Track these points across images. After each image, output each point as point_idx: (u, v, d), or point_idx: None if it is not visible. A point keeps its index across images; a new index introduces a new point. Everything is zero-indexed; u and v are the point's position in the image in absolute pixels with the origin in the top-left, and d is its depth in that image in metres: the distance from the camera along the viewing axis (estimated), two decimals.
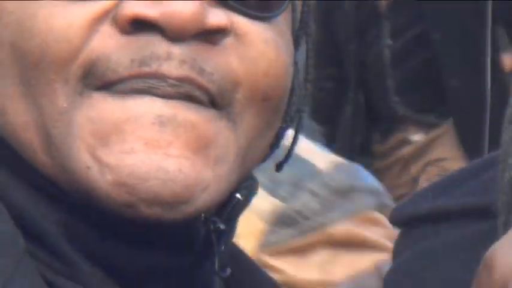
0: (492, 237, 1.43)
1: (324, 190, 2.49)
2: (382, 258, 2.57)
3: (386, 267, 1.93)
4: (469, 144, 7.78)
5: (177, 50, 1.01)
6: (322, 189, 2.44)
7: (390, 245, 2.28)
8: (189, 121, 1.01)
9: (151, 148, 0.98)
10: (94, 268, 1.06)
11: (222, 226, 1.12)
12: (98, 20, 1.01)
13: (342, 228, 2.64)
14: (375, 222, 2.60)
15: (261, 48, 1.06)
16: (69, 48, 1.00)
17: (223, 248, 1.15)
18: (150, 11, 0.99)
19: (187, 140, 1.00)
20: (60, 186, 1.06)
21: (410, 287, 1.76)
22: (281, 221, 2.31)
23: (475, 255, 1.37)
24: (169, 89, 1.01)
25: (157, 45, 1.00)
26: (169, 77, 1.00)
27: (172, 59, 1.00)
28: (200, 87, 1.02)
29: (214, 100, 1.04)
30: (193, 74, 1.01)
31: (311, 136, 3.85)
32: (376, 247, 2.63)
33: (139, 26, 1.00)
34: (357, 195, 2.79)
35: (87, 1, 1.02)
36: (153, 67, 0.99)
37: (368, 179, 3.00)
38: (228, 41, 1.05)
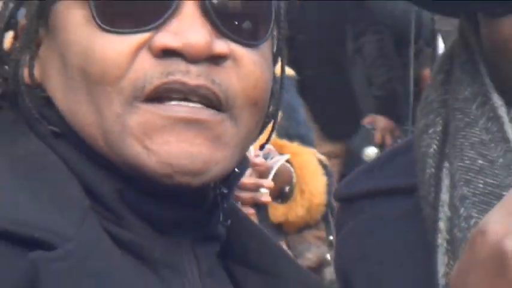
0: (416, 211, 1.65)
1: None
2: None
3: None
4: None
5: (193, 68, 1.26)
6: None
7: None
8: (206, 122, 1.28)
9: (181, 140, 1.25)
10: (136, 219, 1.31)
11: (225, 191, 1.42)
12: (138, 49, 1.26)
13: None
14: None
15: (251, 69, 1.33)
16: (120, 70, 1.25)
17: (225, 205, 1.45)
18: (174, 42, 1.24)
19: (205, 135, 1.27)
20: (115, 164, 1.32)
21: (356, 252, 1.88)
22: None
23: (402, 224, 1.67)
24: (190, 94, 1.26)
25: (180, 64, 1.25)
26: (189, 84, 1.25)
27: (191, 73, 1.26)
28: (213, 93, 1.27)
29: (222, 104, 1.29)
30: (207, 83, 1.26)
31: None
32: None
33: (167, 52, 1.25)
34: None
35: (130, 35, 1.28)
36: (177, 76, 1.24)
37: None
38: (228, 63, 1.30)
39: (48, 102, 1.39)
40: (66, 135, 1.37)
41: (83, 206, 1.27)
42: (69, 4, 1.35)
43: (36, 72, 1.39)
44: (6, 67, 1.43)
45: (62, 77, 1.35)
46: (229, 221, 1.49)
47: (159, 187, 1.32)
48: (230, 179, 1.44)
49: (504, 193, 1.37)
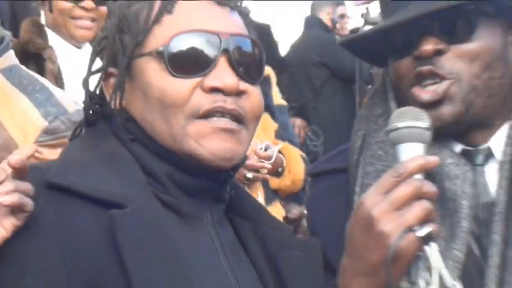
0: (347, 181, 2.02)
1: (69, 121, 2.51)
2: None
3: None
4: None
5: (228, 99, 1.62)
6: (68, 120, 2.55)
7: None
8: (234, 131, 1.64)
9: (221, 141, 1.61)
10: (176, 190, 1.67)
11: (232, 173, 1.76)
12: (194, 88, 1.61)
13: None
14: None
15: (256, 98, 1.70)
16: (184, 100, 1.60)
17: (231, 181, 1.80)
18: (218, 84, 1.61)
19: (234, 138, 1.63)
20: (174, 152, 1.65)
21: (314, 208, 2.24)
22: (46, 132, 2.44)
23: (339, 190, 2.01)
24: (226, 114, 1.62)
25: (220, 96, 1.61)
26: (226, 108, 1.62)
27: (227, 102, 1.61)
28: (239, 113, 1.64)
29: (242, 120, 1.66)
30: (237, 107, 1.63)
31: None
32: None
33: (213, 89, 1.61)
34: None
35: (189, 79, 1.63)
36: (219, 104, 1.60)
37: None
38: (245, 95, 1.66)
39: (129, 119, 1.71)
40: (140, 139, 1.70)
41: (142, 183, 1.64)
42: (148, 59, 1.67)
43: (120, 97, 1.71)
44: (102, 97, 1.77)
45: (144, 103, 1.68)
46: (232, 191, 1.84)
47: (200, 167, 1.67)
48: (237, 166, 1.78)
49: None
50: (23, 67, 2.44)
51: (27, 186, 1.40)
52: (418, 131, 1.56)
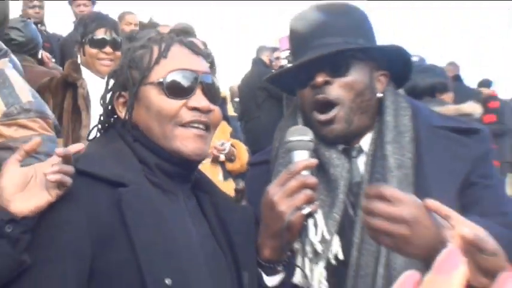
0: (270, 169, 1.94)
1: (21, 108, 2.33)
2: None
3: None
4: None
5: (203, 115, 1.62)
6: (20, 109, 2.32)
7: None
8: (204, 136, 1.63)
9: (196, 143, 1.60)
10: (161, 174, 1.64)
11: (199, 163, 1.72)
12: (181, 106, 1.60)
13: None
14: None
15: (217, 114, 1.67)
16: (174, 115, 1.60)
17: (196, 168, 1.75)
18: (197, 105, 1.61)
19: (203, 141, 1.62)
20: (164, 149, 1.62)
21: (250, 187, 2.20)
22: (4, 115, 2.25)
23: (264, 175, 1.93)
24: (200, 124, 1.62)
25: (198, 112, 1.60)
26: (201, 121, 1.62)
27: (202, 117, 1.61)
28: (208, 124, 1.64)
29: (209, 128, 1.65)
30: (207, 120, 1.63)
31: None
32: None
33: (193, 108, 1.60)
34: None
35: (179, 100, 1.62)
36: (197, 117, 1.60)
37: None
38: (211, 112, 1.64)
39: (133, 127, 1.66)
40: (140, 140, 1.66)
41: (138, 170, 1.62)
42: (151, 87, 1.64)
43: (128, 113, 1.66)
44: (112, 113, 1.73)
45: (146, 115, 1.64)
46: (197, 175, 1.78)
47: (180, 159, 1.63)
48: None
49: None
50: (5, 70, 2.40)
51: (69, 168, 1.39)
52: (304, 143, 1.62)
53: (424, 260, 1.44)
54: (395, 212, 1.40)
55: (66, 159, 1.41)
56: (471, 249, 1.31)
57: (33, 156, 1.90)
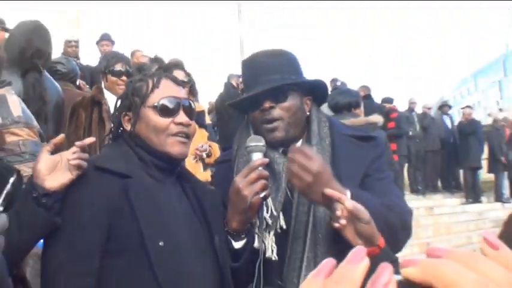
0: (232, 167, 1.83)
1: (12, 120, 2.38)
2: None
3: None
4: None
5: (185, 128, 1.58)
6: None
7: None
8: (186, 143, 1.59)
9: (181, 148, 1.58)
10: (155, 168, 1.59)
11: (182, 161, 1.69)
12: (170, 122, 1.56)
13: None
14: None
15: (194, 127, 1.65)
16: (165, 128, 1.57)
17: (180, 164, 1.69)
18: (182, 121, 1.58)
19: (186, 147, 1.59)
20: (158, 152, 1.58)
21: (217, 178, 2.06)
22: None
23: (227, 172, 1.83)
24: (184, 134, 1.58)
25: (182, 127, 1.57)
26: (185, 132, 1.58)
27: (185, 129, 1.58)
28: (189, 134, 1.60)
29: (189, 137, 1.60)
30: (188, 131, 1.59)
31: None
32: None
33: (178, 123, 1.57)
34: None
35: (168, 118, 1.57)
36: (181, 129, 1.57)
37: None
38: (190, 125, 1.60)
39: (136, 136, 1.60)
40: (140, 146, 1.60)
41: (139, 166, 1.56)
42: (148, 109, 1.58)
43: (132, 126, 1.62)
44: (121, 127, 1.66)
45: (145, 129, 1.59)
46: (180, 169, 1.70)
47: (169, 159, 1.59)
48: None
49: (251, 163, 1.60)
50: (6, 95, 2.42)
51: (84, 155, 1.46)
52: (259, 147, 1.61)
53: (324, 206, 1.55)
54: (306, 164, 1.47)
55: (82, 149, 1.47)
56: (352, 218, 1.43)
57: (18, 154, 2.29)
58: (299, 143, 1.75)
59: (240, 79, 8.69)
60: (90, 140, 1.59)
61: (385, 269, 0.27)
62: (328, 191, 1.49)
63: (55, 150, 1.49)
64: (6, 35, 4.43)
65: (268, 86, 1.68)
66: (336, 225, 1.47)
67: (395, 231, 1.62)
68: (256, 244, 1.64)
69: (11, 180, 1.71)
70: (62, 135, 1.60)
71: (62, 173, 1.44)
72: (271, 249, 1.64)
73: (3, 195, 1.64)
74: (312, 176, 1.48)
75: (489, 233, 0.31)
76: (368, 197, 1.58)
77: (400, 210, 1.70)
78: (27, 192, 1.42)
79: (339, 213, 1.45)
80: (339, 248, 1.50)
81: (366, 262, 0.29)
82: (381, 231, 1.49)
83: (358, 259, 0.28)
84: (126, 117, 1.62)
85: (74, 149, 1.46)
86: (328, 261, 0.30)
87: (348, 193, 1.52)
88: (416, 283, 0.28)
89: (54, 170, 1.44)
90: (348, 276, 0.28)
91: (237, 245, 1.62)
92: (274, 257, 1.63)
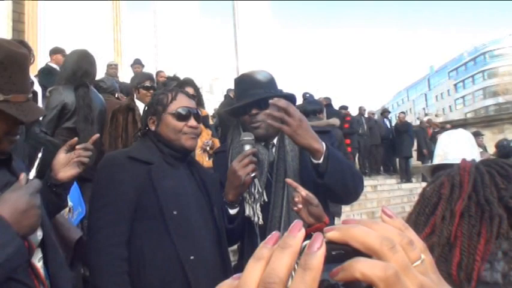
0: (226, 157, 1.72)
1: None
2: None
3: None
4: None
5: (195, 129, 1.51)
6: None
7: None
8: (195, 139, 1.53)
9: (192, 142, 1.51)
10: (171, 156, 1.51)
11: (191, 152, 1.57)
12: (184, 125, 1.51)
13: None
14: None
15: (201, 128, 1.51)
16: (181, 129, 1.50)
17: (190, 154, 1.59)
18: (193, 124, 1.52)
19: (195, 142, 1.52)
20: (174, 145, 1.51)
21: (216, 165, 1.86)
22: None
23: (224, 159, 1.72)
24: (194, 134, 1.51)
25: (193, 129, 1.50)
26: (196, 132, 1.52)
27: (195, 130, 1.51)
28: (197, 133, 1.52)
29: (198, 135, 1.52)
30: (197, 131, 1.52)
31: None
32: None
33: (191, 126, 1.51)
34: None
35: (182, 122, 1.51)
36: (192, 130, 1.52)
37: None
38: (199, 128, 1.53)
39: (158, 134, 1.53)
40: (161, 141, 1.52)
41: (158, 155, 1.49)
42: (168, 115, 1.51)
43: (155, 127, 1.54)
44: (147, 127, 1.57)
45: (166, 129, 1.51)
46: (190, 157, 1.62)
47: (183, 150, 1.53)
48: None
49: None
50: None
51: (86, 153, 1.40)
52: (250, 140, 1.55)
53: (308, 150, 1.45)
54: (291, 109, 1.39)
55: (93, 143, 1.45)
56: (306, 202, 1.40)
57: None
58: (275, 140, 1.68)
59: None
60: (95, 137, 1.54)
61: (318, 236, 0.27)
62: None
63: (70, 149, 1.43)
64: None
65: (254, 98, 1.63)
66: (295, 208, 1.42)
67: (356, 176, 1.57)
68: (246, 212, 1.60)
69: (39, 155, 1.61)
70: (96, 135, 1.56)
71: (72, 168, 1.39)
72: (257, 215, 1.59)
73: (35, 166, 1.57)
74: (297, 121, 1.39)
75: (385, 207, 0.32)
76: (339, 153, 1.52)
77: (355, 169, 1.64)
78: (45, 180, 1.37)
79: (296, 199, 1.41)
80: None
81: (302, 232, 0.28)
82: (349, 176, 1.48)
83: (296, 230, 0.28)
84: (151, 120, 1.56)
85: (77, 151, 1.41)
86: (275, 233, 0.29)
87: (324, 145, 1.45)
88: (337, 242, 0.28)
89: (67, 165, 1.39)
90: (290, 242, 0.27)
91: (232, 212, 1.57)
92: (260, 221, 1.58)
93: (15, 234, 0.87)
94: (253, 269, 0.26)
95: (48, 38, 8.47)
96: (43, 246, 1.06)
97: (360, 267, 0.26)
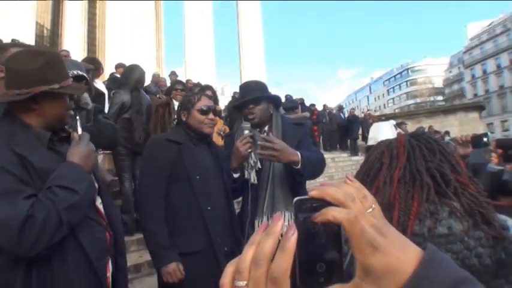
0: (232, 139, 1.52)
1: None
2: None
3: None
4: None
5: (213, 121, 1.39)
6: None
7: None
8: (213, 127, 1.38)
9: (210, 129, 1.37)
10: (192, 140, 1.37)
11: (211, 135, 1.41)
12: (205, 118, 1.35)
13: None
14: None
15: (217, 120, 1.32)
16: (203, 120, 1.37)
17: (210, 137, 1.43)
18: (212, 117, 1.38)
19: (212, 129, 1.37)
20: (198, 131, 1.38)
21: (226, 143, 1.66)
22: None
23: (231, 139, 1.53)
24: (212, 123, 1.38)
25: (212, 121, 1.37)
26: (214, 123, 1.38)
27: (212, 121, 1.38)
28: (214, 123, 1.38)
29: (215, 125, 1.38)
30: (215, 122, 1.38)
31: None
32: None
33: (211, 119, 1.37)
34: None
35: (205, 115, 1.39)
36: (210, 121, 1.39)
37: None
38: (215, 119, 1.36)
39: (188, 124, 1.41)
40: (189, 129, 1.40)
41: (186, 137, 1.37)
42: (195, 110, 1.39)
43: (186, 118, 1.40)
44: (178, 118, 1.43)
45: (193, 120, 1.37)
46: (210, 139, 1.46)
47: (204, 135, 1.40)
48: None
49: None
50: None
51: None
52: (248, 127, 1.44)
53: (290, 163, 1.35)
54: (273, 147, 1.31)
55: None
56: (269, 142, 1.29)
57: None
58: (266, 127, 1.58)
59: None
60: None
61: (292, 225, 0.25)
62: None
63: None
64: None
65: (251, 97, 1.54)
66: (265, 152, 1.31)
67: (322, 163, 1.51)
68: (246, 175, 1.52)
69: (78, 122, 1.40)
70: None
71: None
72: (253, 178, 1.51)
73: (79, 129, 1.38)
74: (278, 152, 1.32)
75: (349, 174, 0.32)
76: (308, 153, 1.43)
77: (321, 157, 1.55)
78: None
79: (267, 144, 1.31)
80: (282, 177, 1.43)
81: (281, 222, 0.26)
82: (318, 167, 1.41)
83: (277, 220, 0.26)
84: (183, 114, 1.47)
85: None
86: (264, 224, 0.27)
87: (299, 154, 1.35)
88: (316, 198, 0.27)
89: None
90: (272, 230, 0.26)
91: (236, 175, 1.49)
92: (255, 181, 1.50)
93: (86, 173, 0.88)
94: (248, 250, 0.26)
95: (110, 56, 8.65)
96: (99, 192, 1.01)
97: (332, 213, 0.26)
